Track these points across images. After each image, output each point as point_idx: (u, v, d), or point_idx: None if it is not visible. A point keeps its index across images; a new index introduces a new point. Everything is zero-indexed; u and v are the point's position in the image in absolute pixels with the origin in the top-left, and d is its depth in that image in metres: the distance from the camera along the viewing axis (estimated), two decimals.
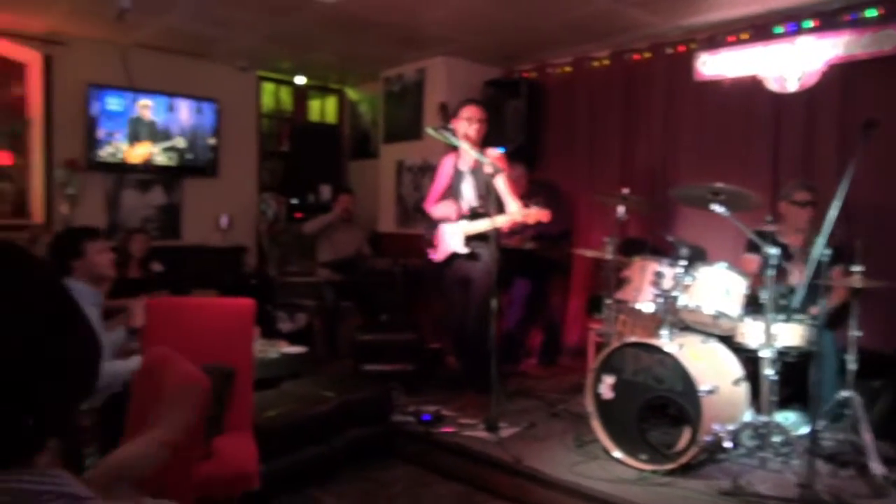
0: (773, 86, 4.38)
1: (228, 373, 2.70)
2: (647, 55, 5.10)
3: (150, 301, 3.00)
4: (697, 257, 3.64)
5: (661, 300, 3.37)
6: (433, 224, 4.20)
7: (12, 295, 0.69)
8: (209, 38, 5.41)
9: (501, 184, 3.87)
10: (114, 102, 5.58)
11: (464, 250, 3.98)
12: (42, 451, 0.70)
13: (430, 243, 4.18)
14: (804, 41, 4.23)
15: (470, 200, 4.03)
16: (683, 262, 3.40)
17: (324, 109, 7.41)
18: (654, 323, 3.62)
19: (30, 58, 5.44)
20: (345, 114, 7.34)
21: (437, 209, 4.14)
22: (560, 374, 4.98)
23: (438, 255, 4.12)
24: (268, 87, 6.87)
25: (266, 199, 6.36)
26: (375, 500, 3.30)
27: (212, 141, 6.11)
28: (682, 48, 4.89)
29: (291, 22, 4.94)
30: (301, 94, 7.21)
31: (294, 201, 6.61)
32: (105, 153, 5.57)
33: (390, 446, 3.85)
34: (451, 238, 4.05)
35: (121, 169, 5.71)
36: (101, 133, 5.53)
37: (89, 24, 5.09)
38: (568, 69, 5.63)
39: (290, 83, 6.99)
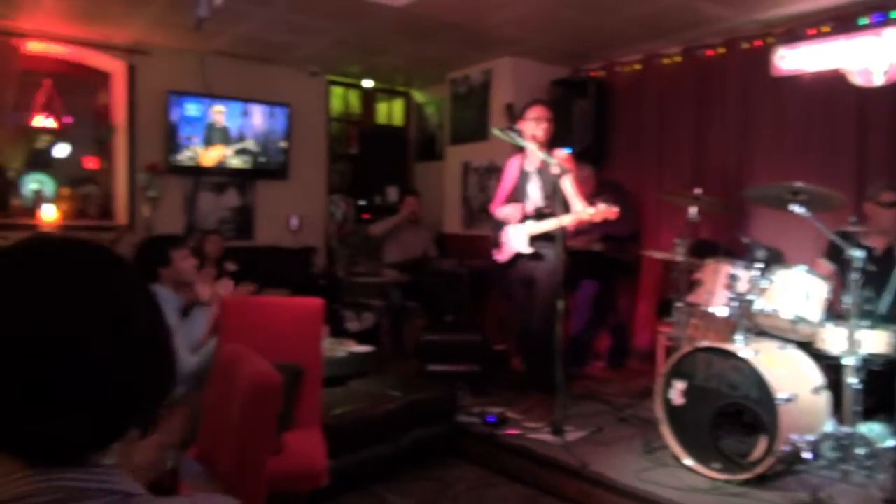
0: (857, 80, 4.17)
1: (298, 370, 2.77)
2: (721, 51, 4.94)
3: (225, 300, 3.11)
4: (774, 260, 3.50)
5: (735, 304, 3.25)
6: (499, 224, 4.19)
7: (95, 292, 0.71)
8: (281, 44, 5.57)
9: (569, 184, 3.83)
10: (192, 108, 5.82)
11: (528, 250, 3.96)
12: (102, 450, 0.72)
13: (496, 243, 4.17)
14: (892, 33, 4.01)
15: (536, 201, 4.01)
16: (759, 265, 3.27)
17: (391, 112, 7.50)
18: (727, 327, 3.50)
19: (115, 67, 5.73)
20: (411, 116, 7.41)
21: (502, 210, 4.12)
22: (627, 379, 4.88)
23: (503, 256, 4.11)
24: (337, 91, 7.01)
25: (335, 201, 6.50)
26: (439, 499, 3.32)
27: (283, 144, 6.29)
28: (758, 43, 4.71)
29: (360, 27, 5.03)
30: (369, 98, 7.32)
31: (362, 203, 6.72)
32: (183, 157, 5.81)
33: (454, 447, 3.87)
34: (516, 238, 4.03)
35: (198, 172, 5.94)
36: (179, 138, 5.77)
37: (169, 35, 5.32)
38: (637, 67, 5.52)
39: (359, 87, 7.11)
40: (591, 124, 5.54)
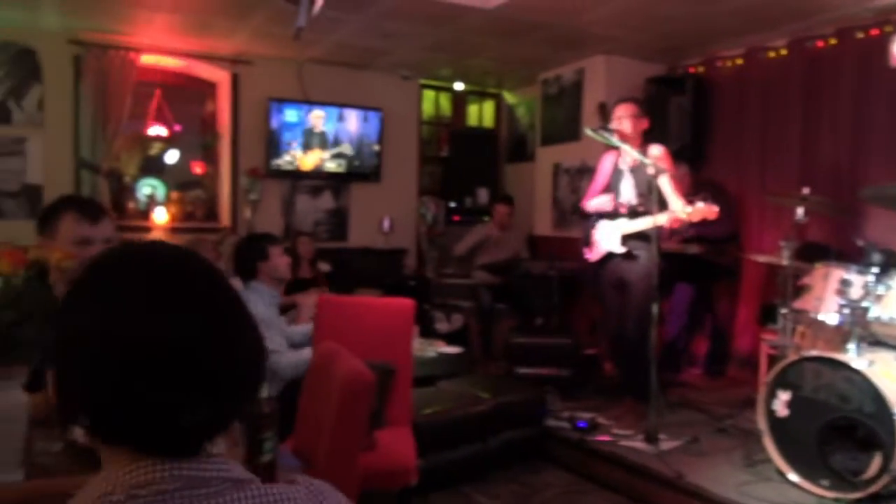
0: None
1: (390, 369, 2.82)
2: (833, 41, 4.64)
3: (320, 299, 3.21)
4: (891, 264, 3.25)
5: (847, 311, 3.04)
6: (590, 223, 4.10)
7: (189, 293, 0.76)
8: (375, 50, 5.70)
9: (665, 183, 3.70)
10: (290, 114, 6.05)
11: (620, 250, 3.85)
12: (212, 441, 0.75)
13: (586, 242, 4.09)
14: None
15: (629, 199, 3.90)
16: (875, 269, 3.05)
17: (481, 114, 7.52)
18: (838, 336, 3.28)
19: (220, 77, 6.04)
20: (502, 118, 7.40)
21: (592, 202, 4.03)
22: (727, 387, 4.67)
23: (593, 255, 4.02)
24: (428, 94, 7.10)
25: (425, 203, 6.58)
26: (528, 502, 3.29)
27: (376, 148, 6.43)
28: (874, 32, 4.40)
29: (452, 30, 5.07)
30: (460, 100, 7.37)
31: (452, 204, 6.77)
32: (282, 161, 6.05)
33: (543, 451, 3.83)
34: (607, 237, 3.93)
35: (295, 176, 6.17)
36: (279, 143, 6.01)
37: (270, 44, 5.55)
38: (739, 61, 5.27)
39: (450, 89, 7.17)
40: (688, 122, 5.35)
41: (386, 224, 6.54)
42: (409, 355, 3.03)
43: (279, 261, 3.14)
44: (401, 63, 6.14)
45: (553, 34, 5.12)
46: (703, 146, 5.44)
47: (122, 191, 5.80)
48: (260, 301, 3.02)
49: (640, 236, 3.74)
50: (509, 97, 7.30)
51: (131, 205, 5.84)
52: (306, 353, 2.98)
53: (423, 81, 6.85)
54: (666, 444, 3.43)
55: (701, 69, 5.56)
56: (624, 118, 3.81)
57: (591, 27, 4.92)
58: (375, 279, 5.88)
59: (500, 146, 7.31)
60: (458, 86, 7.07)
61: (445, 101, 7.35)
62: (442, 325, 5.38)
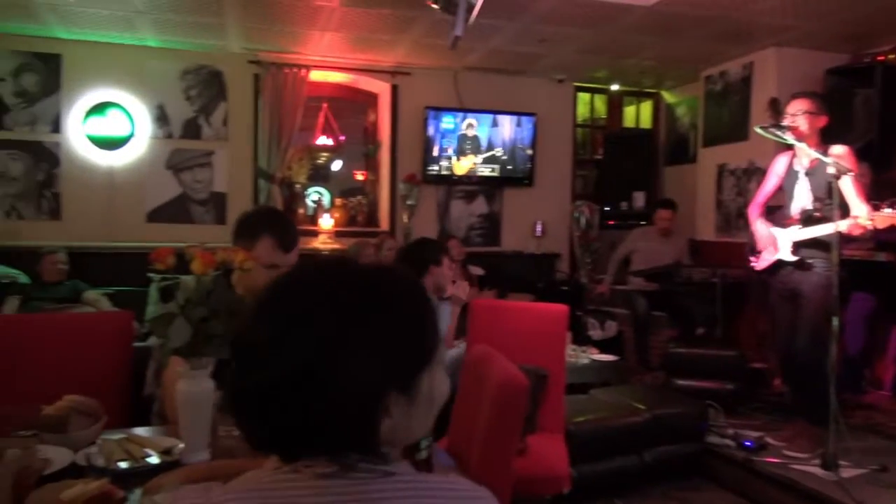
0: None
1: (543, 374, 2.81)
2: None
3: (473, 302, 3.27)
4: None
5: None
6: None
7: (400, 300, 0.82)
8: (529, 55, 5.71)
9: (848, 185, 3.35)
10: (446, 122, 6.22)
11: (791, 258, 3.55)
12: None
13: (753, 249, 3.81)
14: None
15: (803, 203, 3.58)
16: None
17: (639, 115, 7.27)
18: None
19: (381, 89, 6.35)
20: (661, 118, 7.12)
21: (756, 227, 3.74)
22: None
23: (760, 264, 3.73)
24: (583, 97, 6.98)
25: (579, 207, 6.47)
26: None
27: (529, 152, 6.43)
28: None
29: (608, 30, 4.96)
30: (615, 101, 7.18)
31: (606, 209, 6.61)
32: (438, 168, 6.23)
33: (704, 468, 3.63)
34: (777, 244, 3.63)
35: (450, 181, 6.33)
36: (435, 150, 6.20)
37: (427, 55, 5.75)
38: None
39: (605, 91, 7.01)
40: (875, 117, 4.83)
41: (539, 228, 6.52)
42: (561, 361, 3.00)
43: (447, 271, 3.21)
44: (555, 67, 6.10)
45: (718, 28, 4.85)
46: (893, 143, 4.88)
47: (293, 197, 6.27)
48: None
49: (817, 244, 3.42)
50: (668, 96, 7.00)
51: (301, 210, 6.29)
52: (455, 352, 3.05)
53: (577, 84, 6.76)
54: (847, 472, 3.11)
55: (892, 57, 5.00)
56: (799, 115, 3.51)
57: (761, 18, 4.60)
58: (528, 284, 5.88)
59: (659, 148, 7.02)
60: (614, 87, 6.89)
61: (601, 103, 7.19)
62: (595, 332, 5.25)
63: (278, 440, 0.79)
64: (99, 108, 5.52)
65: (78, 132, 5.51)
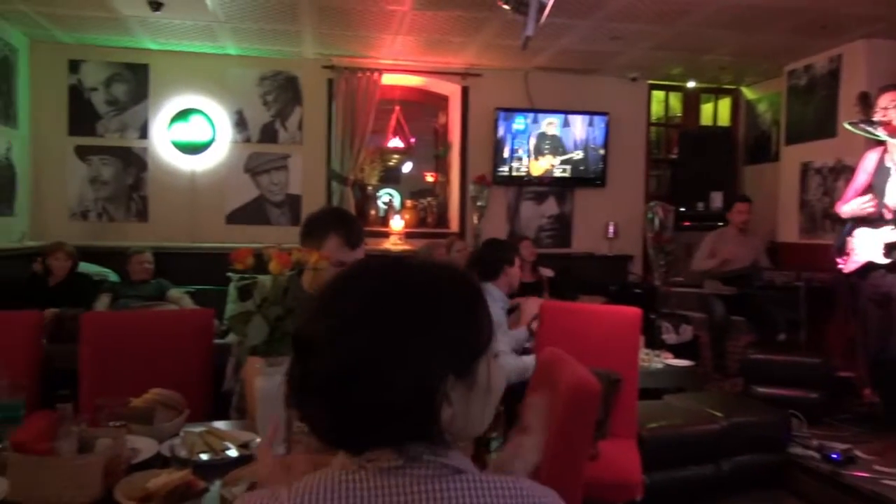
0: None
1: (616, 378, 2.75)
2: None
3: (543, 304, 3.24)
4: None
5: None
6: (847, 229, 3.63)
7: (465, 304, 0.84)
8: (602, 53, 5.61)
9: None
10: (517, 123, 6.19)
11: (883, 261, 3.35)
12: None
13: (840, 250, 3.62)
14: None
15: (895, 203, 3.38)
16: None
17: (717, 112, 7.03)
18: None
19: (451, 91, 6.38)
20: (740, 115, 6.86)
21: (847, 206, 3.55)
22: None
23: (849, 266, 3.54)
24: (657, 95, 6.81)
25: (653, 208, 6.31)
26: None
27: (601, 152, 6.33)
28: None
29: (685, 26, 4.82)
30: (692, 99, 6.96)
31: (682, 209, 6.41)
32: (508, 169, 6.21)
33: (785, 480, 3.48)
34: (867, 245, 3.44)
35: (520, 182, 6.30)
36: (505, 151, 6.18)
37: (498, 56, 5.74)
38: None
39: (681, 88, 6.81)
40: None
41: (611, 230, 6.40)
42: (634, 366, 2.94)
43: (517, 270, 3.28)
44: (629, 65, 5.98)
45: (802, 20, 4.64)
46: None
47: (365, 199, 6.38)
48: (493, 302, 3.15)
49: None
50: (748, 93, 6.74)
51: (372, 212, 6.39)
52: (530, 360, 3.02)
53: (651, 81, 6.60)
54: None
55: None
56: (891, 108, 3.32)
57: (850, 8, 4.37)
58: (599, 286, 5.78)
59: (738, 146, 6.77)
60: (691, 84, 6.69)
61: (676, 101, 6.99)
62: (669, 337, 5.11)
63: (342, 433, 0.80)
64: (182, 115, 5.78)
65: (163, 138, 5.78)
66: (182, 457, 1.64)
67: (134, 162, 5.76)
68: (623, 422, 2.82)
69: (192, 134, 5.80)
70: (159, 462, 1.63)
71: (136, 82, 5.74)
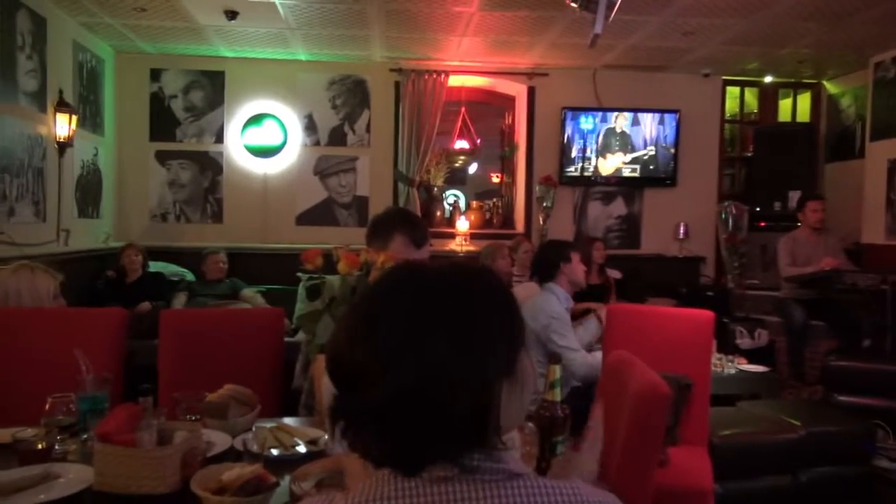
0: None
1: (687, 383, 2.68)
2: None
3: (611, 307, 3.18)
4: None
5: None
6: None
7: (490, 310, 0.82)
8: (672, 49, 5.47)
9: None
10: (584, 122, 6.11)
11: None
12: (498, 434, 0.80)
13: None
14: None
15: None
16: None
17: (795, 108, 6.73)
18: None
19: (518, 91, 6.35)
20: (821, 110, 6.55)
21: None
22: None
23: None
24: (732, 91, 6.58)
25: (726, 208, 6.10)
26: None
27: (672, 150, 6.17)
28: None
29: (761, 18, 4.65)
30: (768, 94, 6.69)
31: (757, 209, 6.17)
32: (575, 169, 6.13)
33: (869, 494, 3.30)
34: None
35: (587, 182, 6.21)
36: (572, 151, 6.11)
37: (565, 55, 5.68)
38: None
39: (757, 83, 6.56)
40: None
41: (682, 230, 6.23)
42: (706, 371, 2.84)
43: (578, 266, 3.26)
44: (701, 61, 5.80)
45: (890, 9, 4.39)
46: None
47: (431, 200, 6.42)
48: (556, 300, 3.14)
49: None
50: (831, 87, 6.43)
51: (438, 213, 6.43)
52: (599, 356, 2.99)
53: (725, 77, 6.38)
54: None
55: None
56: None
57: None
58: (669, 288, 5.63)
59: (819, 142, 6.47)
60: (768, 79, 6.44)
61: (751, 97, 6.74)
62: (744, 341, 4.92)
63: (399, 456, 0.78)
64: (256, 120, 5.97)
65: (237, 142, 5.98)
66: (254, 451, 1.69)
67: (210, 166, 5.98)
68: (694, 428, 2.74)
69: (264, 138, 5.98)
70: (232, 456, 1.69)
71: (213, 89, 5.96)
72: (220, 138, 5.99)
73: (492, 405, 0.78)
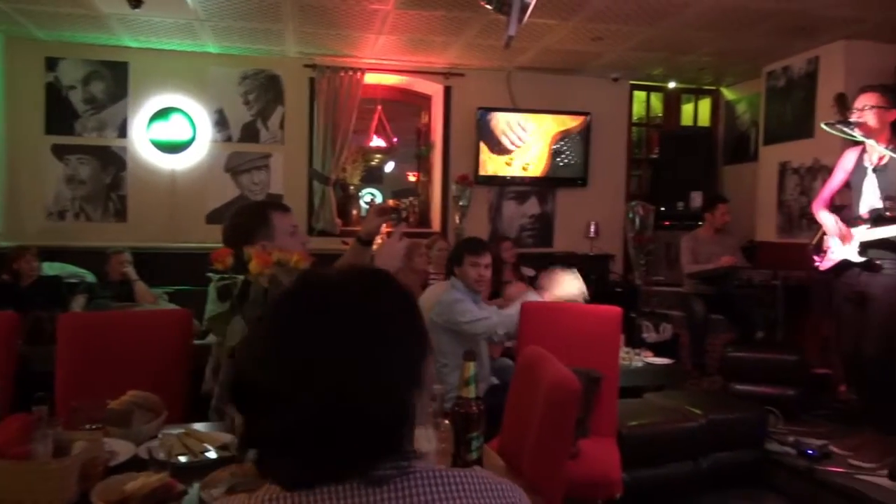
0: None
1: (596, 377, 2.77)
2: None
3: (525, 304, 3.25)
4: None
5: None
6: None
7: (392, 313, 0.81)
8: (584, 53, 5.64)
9: None
10: (499, 122, 6.20)
11: (859, 259, 3.39)
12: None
13: (817, 249, 3.66)
14: None
15: (872, 202, 3.42)
16: None
17: (697, 113, 7.10)
18: None
19: (434, 90, 6.38)
20: (719, 115, 6.93)
21: (822, 217, 3.59)
22: None
23: (825, 264, 3.59)
24: (639, 95, 6.86)
25: (633, 208, 6.36)
26: None
27: (583, 152, 6.36)
28: None
29: (667, 27, 4.86)
30: (672, 99, 7.03)
31: (662, 209, 6.47)
32: (490, 169, 6.22)
33: (763, 477, 3.52)
34: (843, 244, 3.48)
35: (502, 182, 6.31)
36: (487, 151, 6.19)
37: (480, 56, 5.75)
38: None
39: (662, 88, 6.87)
40: None
41: (592, 229, 6.44)
42: (615, 364, 2.96)
43: (468, 270, 3.25)
44: (610, 65, 6.02)
45: (781, 22, 4.70)
46: None
47: (347, 199, 6.35)
48: (456, 292, 3.24)
49: (886, 244, 3.28)
50: (728, 93, 6.81)
51: (354, 212, 6.37)
52: (515, 309, 3.11)
53: (633, 82, 6.65)
54: None
55: None
56: (867, 109, 3.36)
57: (828, 10, 4.43)
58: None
59: (718, 146, 6.84)
60: (672, 84, 6.75)
61: (657, 101, 7.05)
62: (650, 335, 5.15)
63: (311, 477, 0.75)
64: (162, 114, 5.73)
65: (143, 137, 5.72)
66: (160, 459, 1.62)
67: (112, 161, 5.70)
68: (604, 420, 2.84)
69: (171, 133, 5.75)
70: (137, 465, 1.62)
71: (115, 80, 5.68)
72: (123, 132, 5.71)
73: (406, 417, 0.78)
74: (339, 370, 0.74)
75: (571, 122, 6.33)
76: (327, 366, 0.75)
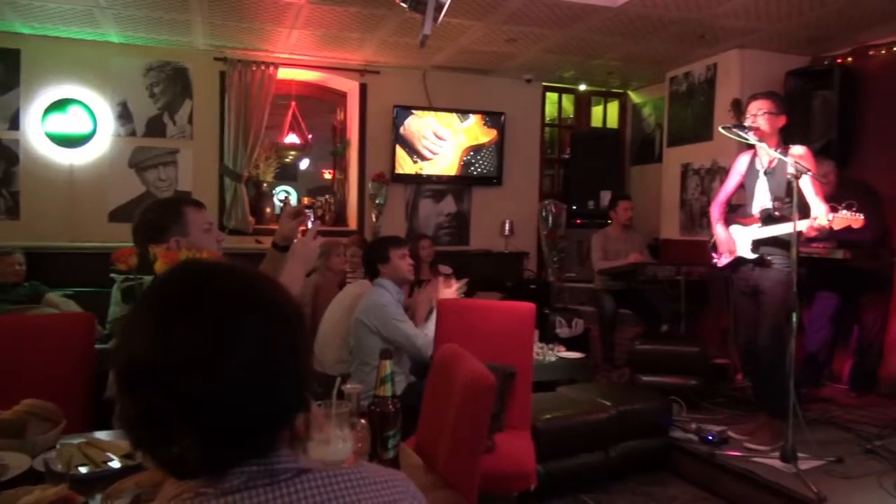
0: None
1: (511, 372, 2.83)
2: None
3: (441, 301, 3.28)
4: None
5: None
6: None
7: (257, 307, 0.81)
8: (498, 54, 5.73)
9: (807, 185, 3.43)
10: (415, 121, 6.21)
11: (751, 256, 3.62)
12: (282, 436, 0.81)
13: (715, 247, 3.88)
14: None
15: (763, 202, 3.66)
16: None
17: (606, 115, 7.36)
18: None
19: (349, 87, 6.31)
20: (626, 118, 7.21)
21: (715, 228, 3.81)
22: (876, 405, 4.28)
23: (723, 261, 3.81)
24: (551, 97, 7.04)
25: (546, 206, 6.52)
26: None
27: (497, 152, 6.47)
28: None
29: (577, 31, 5.01)
30: (583, 101, 7.25)
31: (574, 207, 6.67)
32: (406, 167, 6.22)
33: (668, 462, 3.70)
34: (737, 242, 3.71)
35: (419, 180, 6.33)
36: (404, 149, 6.20)
37: (396, 54, 5.74)
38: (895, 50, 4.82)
39: (573, 91, 7.07)
40: (833, 117, 4.96)
41: (507, 227, 6.56)
42: (529, 359, 3.03)
43: (399, 263, 3.29)
44: (524, 66, 6.14)
45: (683, 30, 4.93)
46: (850, 143, 5.02)
47: (260, 196, 6.20)
48: (385, 293, 3.20)
49: (776, 242, 3.51)
50: (634, 97, 7.09)
51: (268, 209, 6.23)
52: (430, 328, 3.17)
53: (545, 83, 6.81)
54: (805, 464, 3.19)
55: (850, 60, 5.14)
56: (759, 115, 3.58)
57: (725, 20, 4.69)
58: (496, 282, 5.90)
59: (625, 147, 7.12)
60: (582, 87, 6.96)
61: (568, 103, 7.25)
62: (563, 330, 5.30)
63: (206, 462, 0.75)
64: (59, 105, 5.40)
65: (37, 129, 5.38)
66: (58, 471, 1.53)
67: (3, 155, 5.32)
68: (518, 414, 2.90)
69: (69, 126, 5.42)
70: (33, 478, 1.53)
71: (6, 69, 5.31)
72: (15, 124, 5.34)
73: (305, 399, 0.81)
74: (235, 355, 0.75)
75: (484, 138, 6.42)
76: (220, 350, 0.75)
